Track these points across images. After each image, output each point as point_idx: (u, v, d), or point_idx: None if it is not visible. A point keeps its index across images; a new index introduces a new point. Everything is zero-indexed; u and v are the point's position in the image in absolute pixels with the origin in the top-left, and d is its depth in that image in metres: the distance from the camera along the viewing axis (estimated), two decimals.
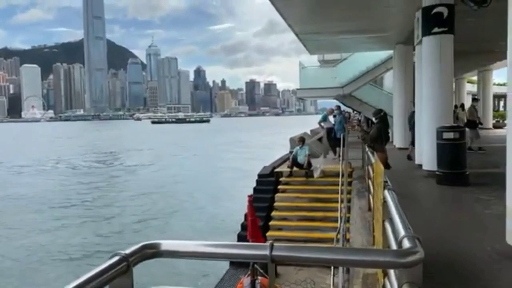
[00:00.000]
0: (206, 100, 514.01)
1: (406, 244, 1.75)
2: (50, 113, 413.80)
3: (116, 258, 1.48)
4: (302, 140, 13.51)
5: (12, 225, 17.90)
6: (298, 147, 13.28)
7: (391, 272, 2.24)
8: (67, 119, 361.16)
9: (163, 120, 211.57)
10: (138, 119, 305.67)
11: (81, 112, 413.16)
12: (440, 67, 9.86)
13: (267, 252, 1.57)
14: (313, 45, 18.90)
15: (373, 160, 6.43)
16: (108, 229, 17.15)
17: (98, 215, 19.50)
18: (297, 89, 23.41)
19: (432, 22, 9.70)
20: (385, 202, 3.29)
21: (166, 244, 1.68)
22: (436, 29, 9.67)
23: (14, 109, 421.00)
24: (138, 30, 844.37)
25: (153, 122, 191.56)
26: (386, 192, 3.35)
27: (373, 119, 11.20)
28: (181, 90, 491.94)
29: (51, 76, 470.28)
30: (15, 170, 36.52)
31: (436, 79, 9.91)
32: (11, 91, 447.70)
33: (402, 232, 2.01)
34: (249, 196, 9.47)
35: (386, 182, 3.79)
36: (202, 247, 1.72)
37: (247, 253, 1.78)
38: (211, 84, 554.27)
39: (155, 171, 34.50)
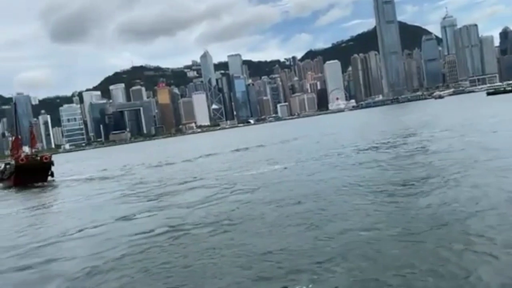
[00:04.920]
0: None
1: None
2: (352, 102, 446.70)
3: None
4: None
5: None
6: None
7: None
8: (367, 106, 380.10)
9: (501, 89, 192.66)
10: (440, 97, 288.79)
11: (380, 97, 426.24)
12: None
13: None
14: None
15: None
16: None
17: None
18: None
19: None
20: None
21: None
22: None
23: (322, 103, 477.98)
24: (430, 4, 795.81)
25: (489, 94, 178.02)
26: None
27: None
28: (484, 58, 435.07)
29: (349, 68, 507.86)
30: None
31: None
32: (318, 87, 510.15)
33: None
34: None
35: None
36: None
37: None
38: None
39: None
